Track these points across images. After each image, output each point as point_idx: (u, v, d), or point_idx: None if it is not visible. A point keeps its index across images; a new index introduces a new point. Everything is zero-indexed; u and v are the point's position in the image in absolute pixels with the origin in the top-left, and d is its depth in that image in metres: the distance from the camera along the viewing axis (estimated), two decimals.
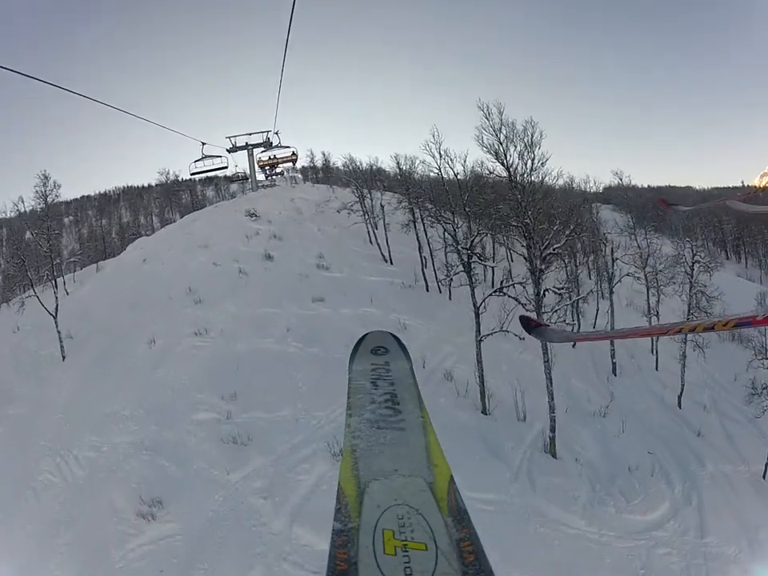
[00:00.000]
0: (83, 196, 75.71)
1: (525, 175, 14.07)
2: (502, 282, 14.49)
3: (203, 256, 25.43)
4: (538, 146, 13.87)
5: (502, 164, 14.11)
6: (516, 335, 14.71)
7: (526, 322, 2.35)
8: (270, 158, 38.59)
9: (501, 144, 13.91)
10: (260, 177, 42.46)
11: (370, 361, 1.46)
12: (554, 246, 13.76)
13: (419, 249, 23.47)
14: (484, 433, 13.36)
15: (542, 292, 13.33)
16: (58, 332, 19.00)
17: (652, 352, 24.23)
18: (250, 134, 40.06)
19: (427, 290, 22.90)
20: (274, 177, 40.19)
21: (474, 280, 15.13)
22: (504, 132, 13.88)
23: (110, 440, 12.72)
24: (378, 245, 25.70)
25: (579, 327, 21.43)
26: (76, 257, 37.27)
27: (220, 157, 22.95)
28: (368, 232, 27.94)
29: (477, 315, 14.81)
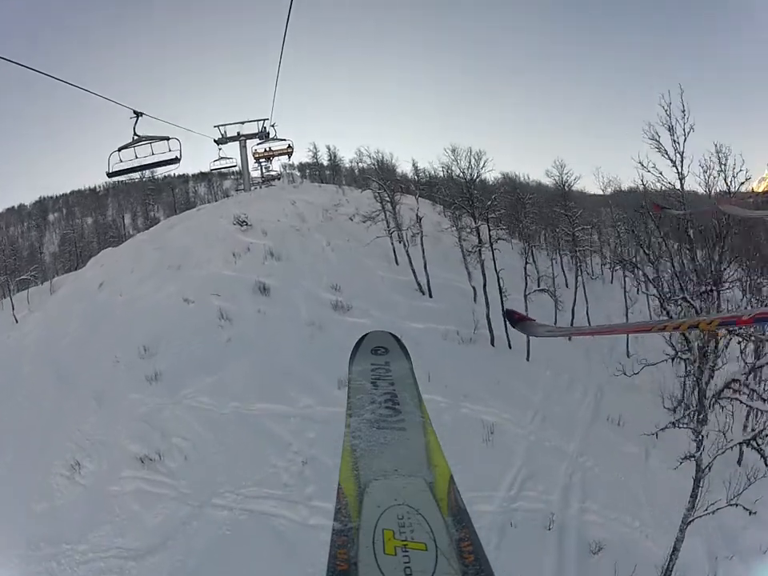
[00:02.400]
0: (73, 191, 66.50)
1: None
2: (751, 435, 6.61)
3: (173, 284, 17.21)
4: None
5: None
6: (748, 510, 7.01)
7: (510, 315, 2.10)
8: (265, 149, 30.65)
9: None
10: (254, 174, 34.17)
11: (370, 361, 1.36)
12: None
13: (484, 286, 15.40)
14: None
15: None
16: None
17: None
18: (243, 123, 31.71)
19: (492, 344, 15.01)
20: (271, 179, 32.02)
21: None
22: None
23: None
24: (413, 270, 17.65)
25: None
26: (30, 273, 28.63)
27: (167, 140, 10.81)
28: (393, 249, 19.92)
29: (697, 483, 6.94)
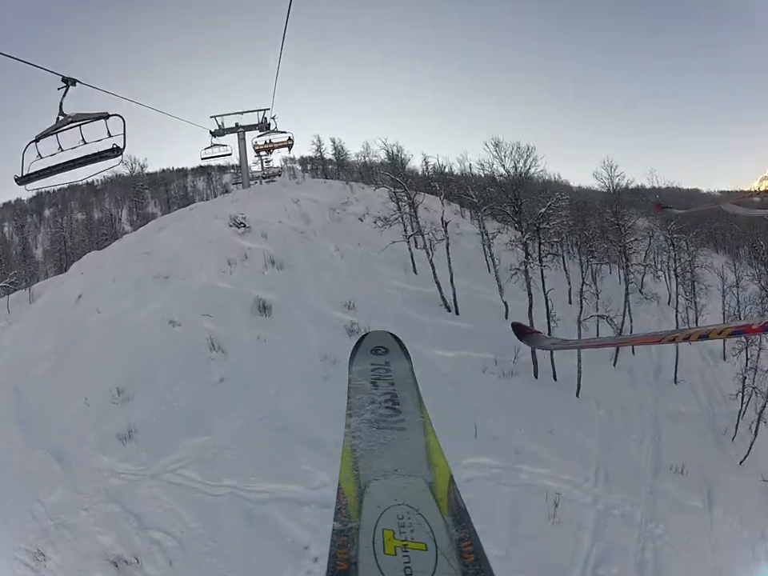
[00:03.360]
0: (70, 185, 62.99)
1: None
2: None
3: (158, 299, 14.58)
4: None
5: None
6: None
7: (517, 329, 2.01)
8: (265, 142, 27.98)
9: None
10: (253, 168, 31.36)
11: (370, 361, 1.34)
12: None
13: (530, 309, 12.77)
14: None
15: None
16: None
17: None
18: (242, 113, 28.91)
19: (536, 376, 12.47)
20: (272, 175, 29.47)
21: None
22: None
23: None
24: (438, 283, 15.00)
25: None
26: (8, 281, 25.81)
27: (105, 118, 5.79)
28: (411, 256, 17.28)
29: None
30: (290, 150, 29.26)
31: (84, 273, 20.06)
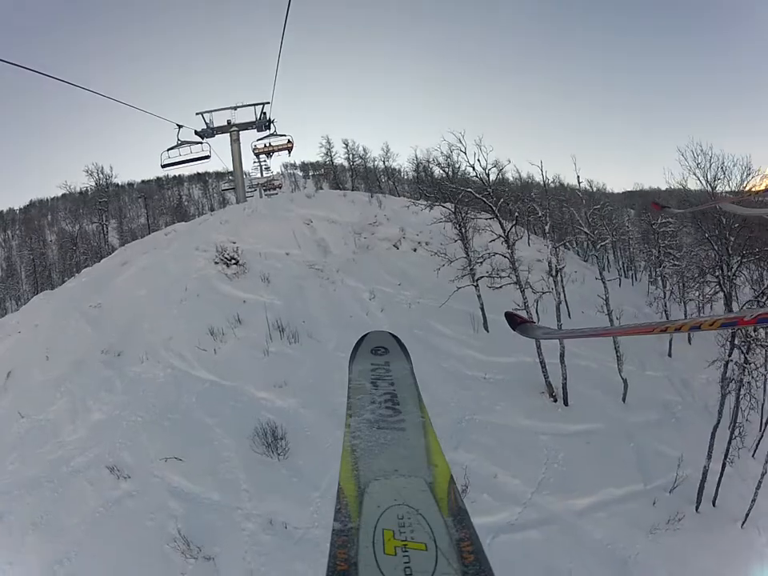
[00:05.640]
0: (64, 194, 57.62)
1: None
2: None
3: (100, 404, 9.10)
4: None
5: None
6: None
7: (511, 318, 1.97)
8: (265, 145, 22.58)
9: None
10: (250, 172, 25.85)
11: (370, 361, 1.31)
12: None
13: (715, 426, 7.16)
14: None
15: None
16: None
17: None
18: (235, 108, 23.43)
19: (697, 509, 6.98)
20: (272, 187, 24.16)
21: None
22: None
23: None
24: (542, 362, 9.39)
25: None
26: None
27: None
28: (481, 307, 11.72)
29: None
30: (289, 153, 24.08)
31: (21, 332, 14.54)
